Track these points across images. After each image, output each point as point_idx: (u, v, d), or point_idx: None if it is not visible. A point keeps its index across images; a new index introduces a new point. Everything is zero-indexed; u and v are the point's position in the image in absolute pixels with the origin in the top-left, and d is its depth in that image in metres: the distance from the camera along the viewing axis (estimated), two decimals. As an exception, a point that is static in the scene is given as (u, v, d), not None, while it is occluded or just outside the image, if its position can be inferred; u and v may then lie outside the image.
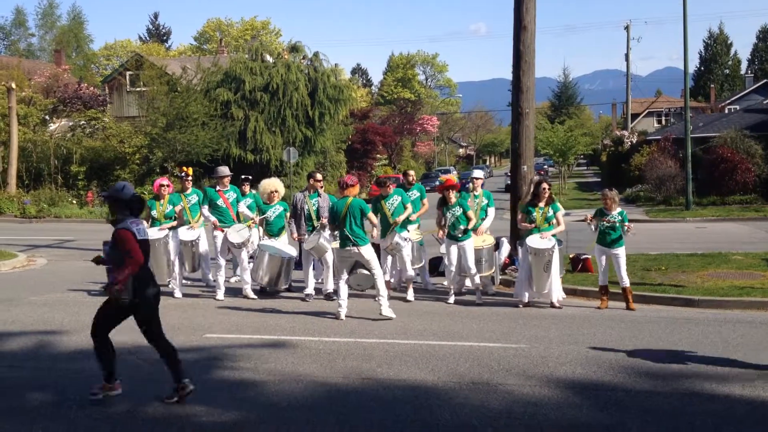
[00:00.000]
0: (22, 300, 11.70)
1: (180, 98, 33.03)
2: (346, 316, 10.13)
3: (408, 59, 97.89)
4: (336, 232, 10.71)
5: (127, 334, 9.12)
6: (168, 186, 12.15)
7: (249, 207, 12.55)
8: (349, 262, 10.32)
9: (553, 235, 10.97)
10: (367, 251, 10.19)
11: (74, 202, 31.55)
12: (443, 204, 11.41)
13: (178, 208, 12.06)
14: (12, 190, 31.45)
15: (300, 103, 37.60)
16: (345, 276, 10.36)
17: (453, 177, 12.37)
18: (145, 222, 11.62)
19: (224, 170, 12.68)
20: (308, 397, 6.65)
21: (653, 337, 8.88)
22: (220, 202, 12.23)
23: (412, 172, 13.55)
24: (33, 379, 7.19)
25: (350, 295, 10.46)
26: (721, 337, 8.90)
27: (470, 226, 11.38)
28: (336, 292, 10.50)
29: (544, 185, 11.20)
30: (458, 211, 11.31)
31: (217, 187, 12.48)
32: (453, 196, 11.36)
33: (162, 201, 11.96)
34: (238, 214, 12.33)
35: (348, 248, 10.19)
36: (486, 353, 8.18)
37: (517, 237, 12.46)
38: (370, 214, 10.33)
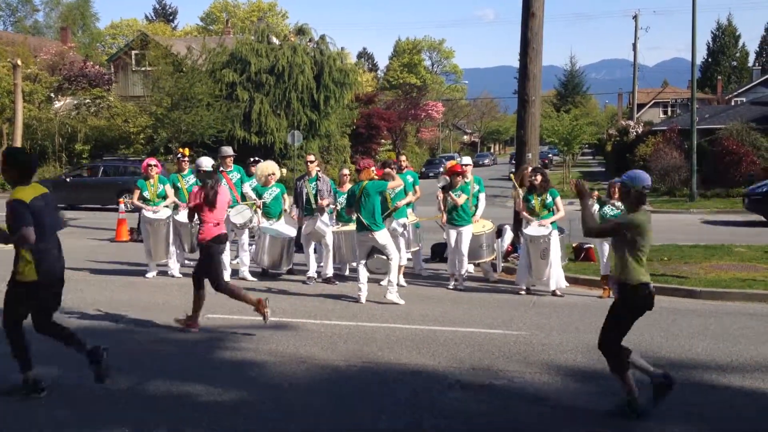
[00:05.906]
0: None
1: (185, 78, 32.95)
2: (349, 300, 10.14)
3: (414, 44, 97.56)
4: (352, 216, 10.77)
5: (138, 311, 9.16)
6: (156, 166, 12.01)
7: (255, 188, 12.48)
8: (367, 246, 10.31)
9: (553, 223, 10.95)
10: (382, 236, 10.11)
11: (78, 180, 31.50)
12: (447, 189, 11.38)
13: (168, 188, 12.01)
14: (16, 167, 31.43)
15: (305, 86, 37.47)
16: (363, 259, 10.37)
17: (457, 163, 12.36)
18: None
19: (227, 150, 12.65)
20: (309, 379, 6.68)
21: (655, 327, 8.87)
22: (223, 182, 12.18)
23: (404, 158, 13.60)
24: (34, 355, 7.21)
25: (351, 279, 10.46)
26: (722, 329, 8.89)
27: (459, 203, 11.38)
28: (356, 274, 10.45)
29: (528, 173, 11.27)
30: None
31: (221, 168, 12.43)
32: (458, 180, 11.35)
33: (152, 181, 11.91)
34: (242, 194, 12.30)
35: (363, 232, 10.19)
36: (487, 339, 8.19)
37: (519, 224, 12.44)
38: (390, 184, 10.64)
